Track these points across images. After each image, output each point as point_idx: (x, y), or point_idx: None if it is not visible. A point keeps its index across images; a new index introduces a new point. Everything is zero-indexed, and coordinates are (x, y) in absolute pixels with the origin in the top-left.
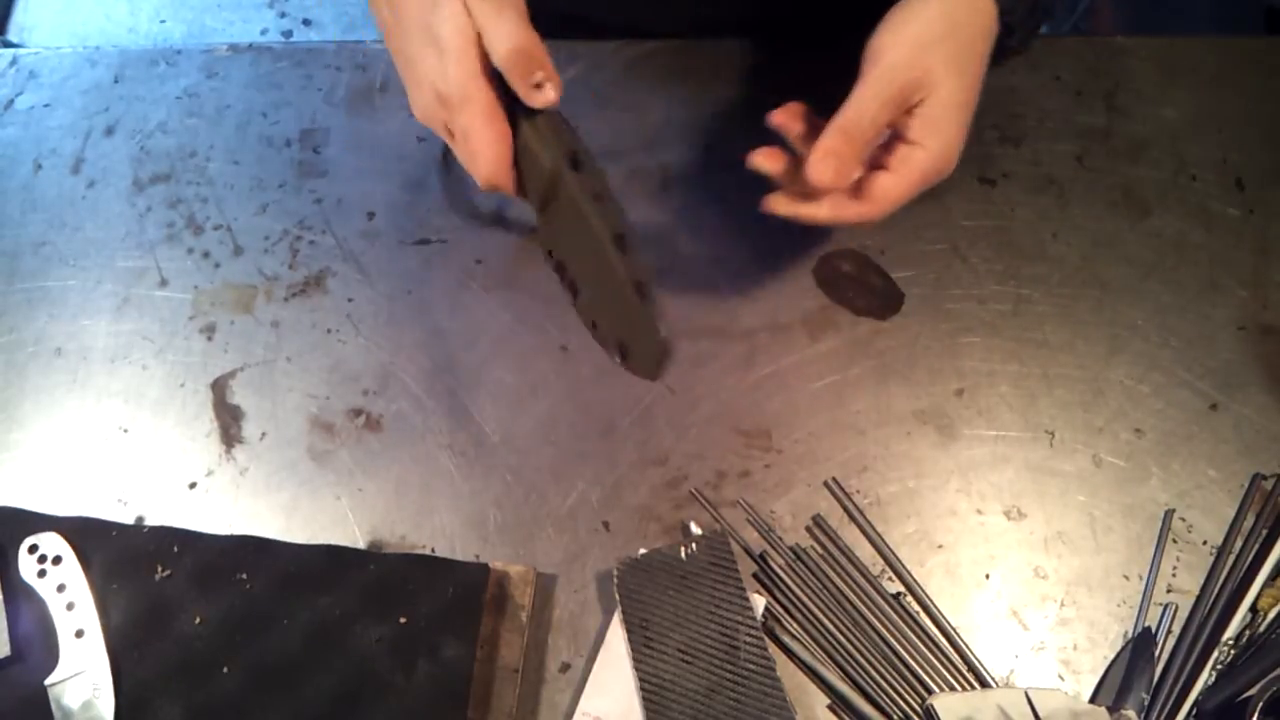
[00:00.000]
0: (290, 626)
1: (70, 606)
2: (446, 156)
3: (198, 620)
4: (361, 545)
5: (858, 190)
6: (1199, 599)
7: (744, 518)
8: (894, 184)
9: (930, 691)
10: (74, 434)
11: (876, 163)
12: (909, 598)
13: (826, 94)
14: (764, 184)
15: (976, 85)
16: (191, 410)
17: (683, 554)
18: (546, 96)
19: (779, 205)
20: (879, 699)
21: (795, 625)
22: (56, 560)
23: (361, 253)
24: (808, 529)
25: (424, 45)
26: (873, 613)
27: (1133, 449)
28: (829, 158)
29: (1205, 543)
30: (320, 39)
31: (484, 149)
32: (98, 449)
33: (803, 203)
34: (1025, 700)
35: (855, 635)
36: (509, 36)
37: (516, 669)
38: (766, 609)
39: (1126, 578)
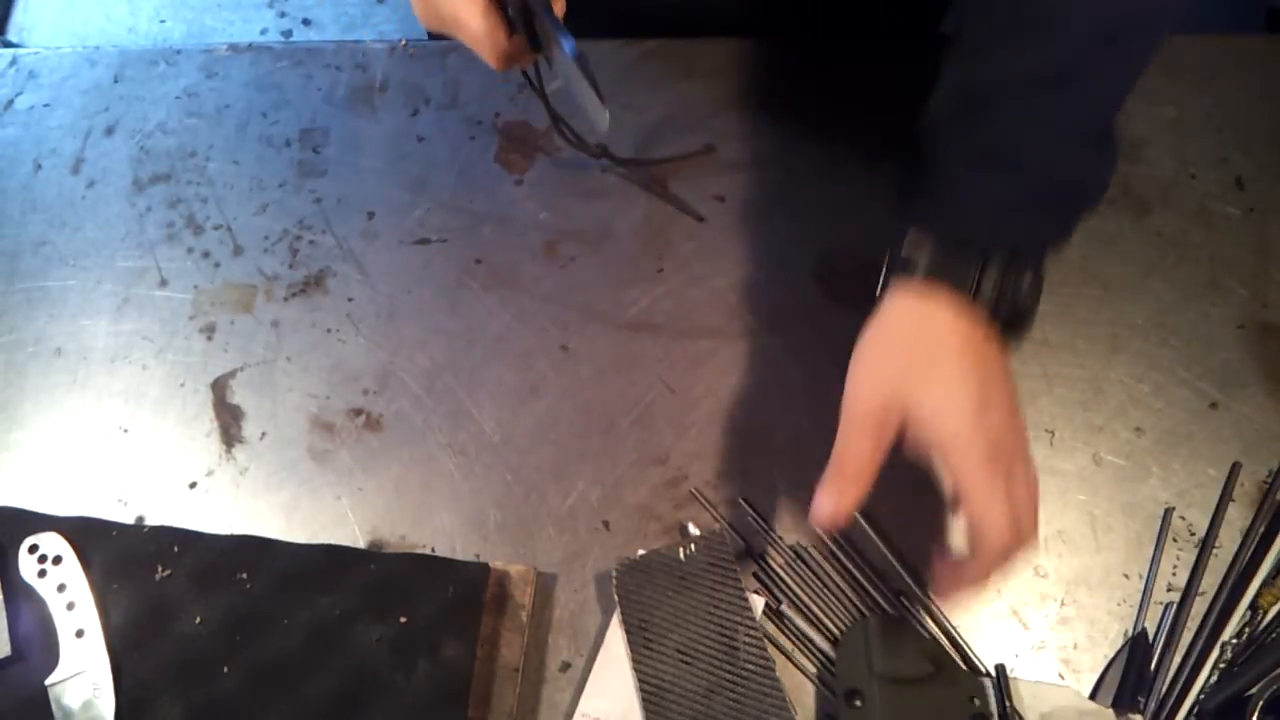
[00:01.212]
0: (290, 626)
1: (70, 606)
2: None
3: (198, 620)
4: (362, 545)
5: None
6: (1185, 593)
7: (744, 517)
8: (969, 567)
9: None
10: (74, 434)
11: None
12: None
13: (825, 93)
14: (762, 185)
15: (967, 385)
16: (191, 410)
17: (681, 555)
18: None
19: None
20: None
21: (795, 625)
22: (57, 560)
23: (361, 253)
24: (808, 529)
25: None
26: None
27: (1133, 448)
28: (825, 499)
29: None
30: (320, 39)
31: (475, 26)
32: (98, 449)
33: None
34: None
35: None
36: None
37: (516, 668)
38: (766, 609)
39: (1126, 576)
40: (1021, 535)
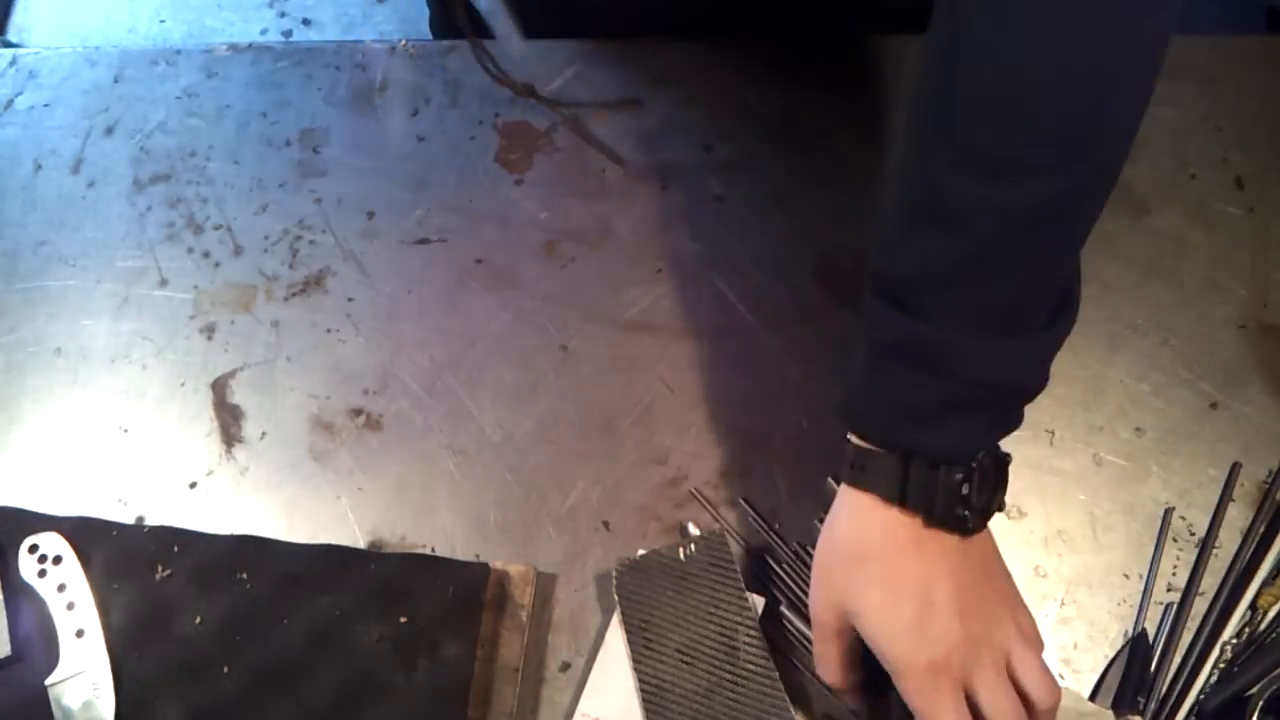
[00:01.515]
0: (290, 626)
1: (70, 606)
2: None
3: (198, 620)
4: (362, 545)
5: None
6: (1185, 593)
7: (744, 517)
8: None
9: None
10: (74, 434)
11: None
12: None
13: (826, 91)
14: (763, 186)
15: (902, 595)
16: (192, 410)
17: (682, 555)
18: None
19: None
20: None
21: (796, 626)
22: (57, 560)
23: (361, 253)
24: (809, 529)
25: None
26: None
27: (1133, 447)
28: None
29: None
30: (320, 39)
31: None
32: (98, 449)
33: None
34: None
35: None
36: None
37: (516, 668)
38: (766, 609)
39: (1126, 576)
40: None
